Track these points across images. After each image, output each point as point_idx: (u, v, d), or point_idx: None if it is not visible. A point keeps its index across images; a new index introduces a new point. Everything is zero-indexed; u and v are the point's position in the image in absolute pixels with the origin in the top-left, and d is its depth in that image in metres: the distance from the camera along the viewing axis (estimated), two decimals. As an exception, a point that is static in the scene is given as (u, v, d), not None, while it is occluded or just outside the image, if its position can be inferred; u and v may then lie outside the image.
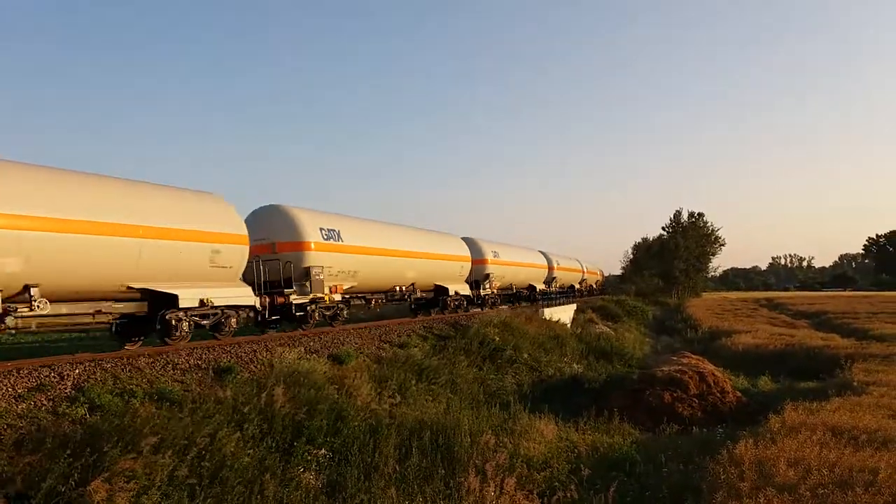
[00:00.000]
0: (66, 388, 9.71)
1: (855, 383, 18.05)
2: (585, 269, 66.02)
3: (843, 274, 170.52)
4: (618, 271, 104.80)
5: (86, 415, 8.99)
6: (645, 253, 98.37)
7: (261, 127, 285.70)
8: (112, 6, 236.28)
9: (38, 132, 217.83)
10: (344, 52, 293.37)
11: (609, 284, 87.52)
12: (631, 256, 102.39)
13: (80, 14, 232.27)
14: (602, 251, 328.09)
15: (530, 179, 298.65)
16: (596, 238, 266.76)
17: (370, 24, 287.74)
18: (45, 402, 9.13)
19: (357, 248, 21.07)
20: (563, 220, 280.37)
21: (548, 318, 32.59)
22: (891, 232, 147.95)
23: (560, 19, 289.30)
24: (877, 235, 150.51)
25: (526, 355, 22.27)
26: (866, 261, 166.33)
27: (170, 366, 11.81)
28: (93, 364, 10.89)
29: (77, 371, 10.39)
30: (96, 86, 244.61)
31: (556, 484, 10.34)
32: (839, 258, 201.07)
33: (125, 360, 11.50)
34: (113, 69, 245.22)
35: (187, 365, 12.09)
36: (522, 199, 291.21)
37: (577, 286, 61.39)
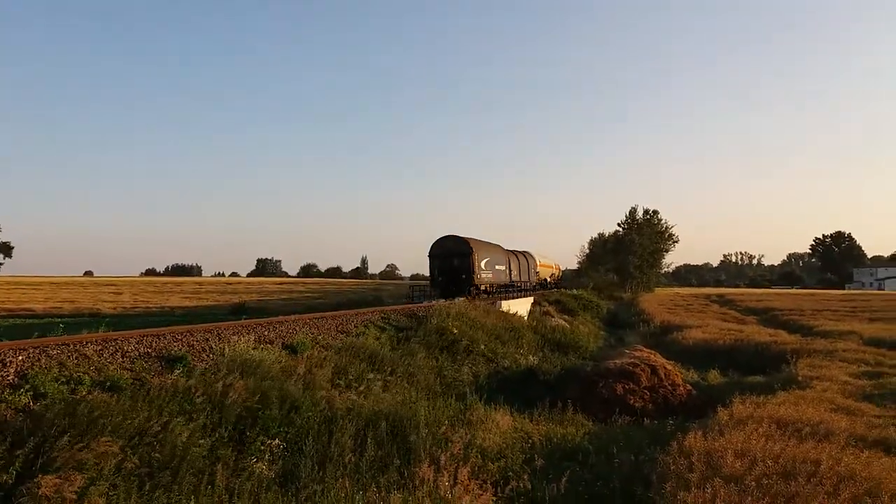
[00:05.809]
0: (8, 375, 9.36)
1: (799, 378, 18.65)
2: (540, 263, 62.01)
3: (790, 272, 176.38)
4: (574, 266, 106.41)
5: (29, 403, 8.69)
6: (601, 248, 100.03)
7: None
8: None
9: None
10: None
11: (566, 279, 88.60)
12: (587, 252, 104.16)
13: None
14: (561, 245, 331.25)
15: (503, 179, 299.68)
16: (557, 232, 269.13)
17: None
18: (-15, 390, 8.78)
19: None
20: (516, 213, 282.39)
21: (505, 311, 32.86)
22: (836, 233, 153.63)
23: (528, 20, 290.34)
24: (823, 236, 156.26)
25: (483, 346, 22.38)
26: (813, 260, 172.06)
27: (119, 353, 11.50)
28: (38, 350, 10.51)
29: (20, 357, 10.02)
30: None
31: (510, 473, 10.42)
32: (787, 257, 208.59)
33: (71, 346, 11.15)
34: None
35: (137, 353, 11.79)
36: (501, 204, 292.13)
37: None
